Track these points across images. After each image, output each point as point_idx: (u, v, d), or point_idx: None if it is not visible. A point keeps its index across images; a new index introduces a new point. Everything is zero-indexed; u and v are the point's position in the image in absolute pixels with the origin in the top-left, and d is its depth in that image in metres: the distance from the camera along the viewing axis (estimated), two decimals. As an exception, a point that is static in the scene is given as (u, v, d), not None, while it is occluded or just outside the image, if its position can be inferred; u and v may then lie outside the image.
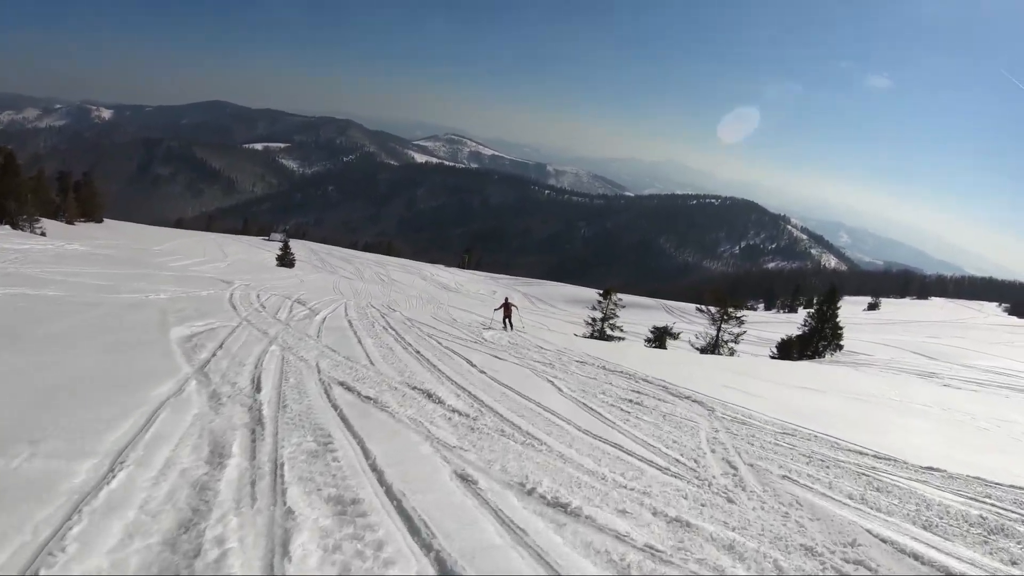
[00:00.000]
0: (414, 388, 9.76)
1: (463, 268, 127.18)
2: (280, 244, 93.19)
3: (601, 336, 43.27)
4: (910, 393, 20.71)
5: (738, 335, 42.91)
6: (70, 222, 75.85)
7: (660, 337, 42.81)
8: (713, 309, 44.18)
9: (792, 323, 60.95)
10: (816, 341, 44.92)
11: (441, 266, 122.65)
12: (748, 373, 21.55)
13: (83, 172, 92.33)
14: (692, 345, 43.19)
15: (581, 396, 11.04)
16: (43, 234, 50.75)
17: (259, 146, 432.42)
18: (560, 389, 11.47)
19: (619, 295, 49.58)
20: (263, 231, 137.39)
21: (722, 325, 43.08)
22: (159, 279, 24.04)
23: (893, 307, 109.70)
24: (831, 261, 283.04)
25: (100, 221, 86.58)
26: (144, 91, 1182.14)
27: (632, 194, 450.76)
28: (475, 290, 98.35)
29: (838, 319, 45.35)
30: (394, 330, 18.42)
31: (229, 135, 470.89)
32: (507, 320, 29.20)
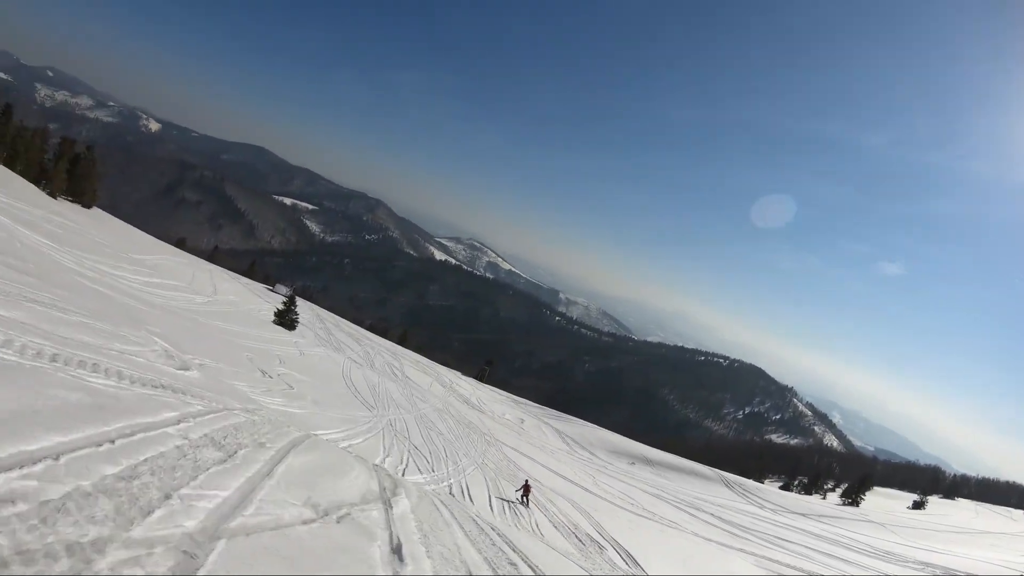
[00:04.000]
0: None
1: (481, 381, 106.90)
2: (284, 299, 74.61)
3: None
4: None
5: None
6: (52, 195, 60.37)
7: None
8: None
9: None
10: None
11: (458, 373, 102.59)
12: None
13: (87, 146, 73.86)
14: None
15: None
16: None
17: (288, 201, 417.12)
18: None
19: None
20: (268, 281, 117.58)
21: None
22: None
23: (935, 507, 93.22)
24: (833, 442, 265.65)
25: (88, 207, 69.39)
26: (196, 116, 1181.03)
27: (637, 338, 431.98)
28: (500, 413, 78.57)
29: None
30: None
31: (263, 182, 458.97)
32: (525, 498, 26.31)
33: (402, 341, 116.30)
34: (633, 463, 76.36)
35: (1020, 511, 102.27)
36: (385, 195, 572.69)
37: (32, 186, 54.54)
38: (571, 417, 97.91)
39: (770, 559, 32.44)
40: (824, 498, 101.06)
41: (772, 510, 62.06)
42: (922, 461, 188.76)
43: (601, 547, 22.25)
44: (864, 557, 41.42)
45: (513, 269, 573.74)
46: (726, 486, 74.45)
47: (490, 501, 23.15)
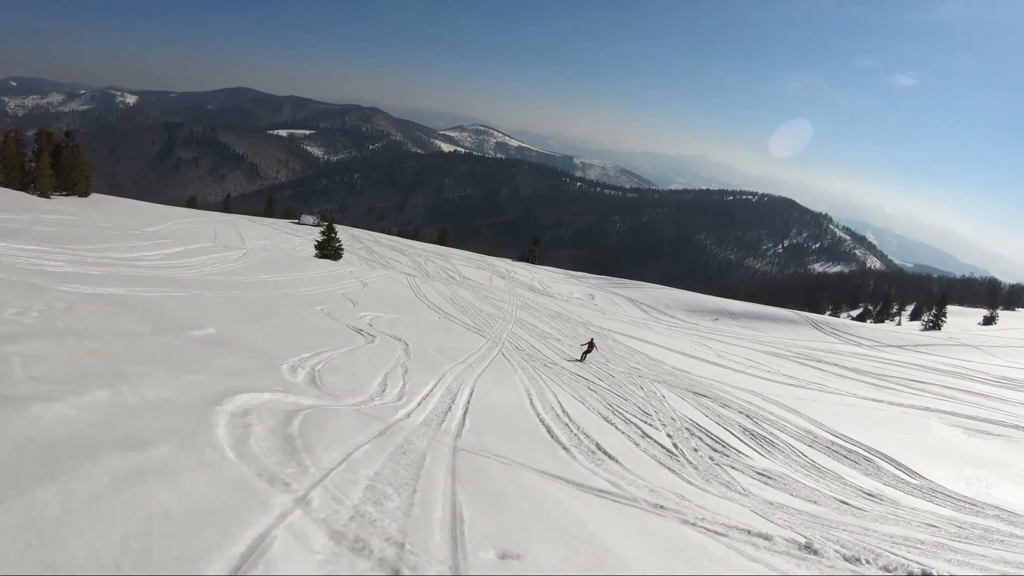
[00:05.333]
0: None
1: (532, 263, 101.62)
2: (316, 228, 69.16)
3: None
4: None
5: None
6: (44, 194, 56.66)
7: None
8: None
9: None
10: None
11: (508, 260, 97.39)
12: None
13: (66, 132, 68.94)
14: None
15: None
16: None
17: (283, 132, 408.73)
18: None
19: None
20: (288, 215, 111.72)
21: None
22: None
23: (1004, 320, 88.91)
24: (875, 263, 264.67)
25: (85, 195, 64.53)
26: (169, 78, 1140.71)
27: (661, 188, 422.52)
28: (568, 293, 73.50)
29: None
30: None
31: (253, 121, 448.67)
32: (586, 355, 27.26)
33: (443, 241, 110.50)
34: (716, 319, 71.17)
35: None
36: (379, 102, 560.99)
37: (19, 192, 49.56)
38: (634, 282, 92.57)
39: (943, 411, 27.09)
40: (899, 324, 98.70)
41: (871, 346, 56.82)
42: (960, 272, 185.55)
43: (867, 459, 17.02)
44: (991, 387, 36.19)
45: (523, 144, 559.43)
46: (815, 327, 68.97)
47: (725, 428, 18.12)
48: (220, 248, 40.77)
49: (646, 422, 16.56)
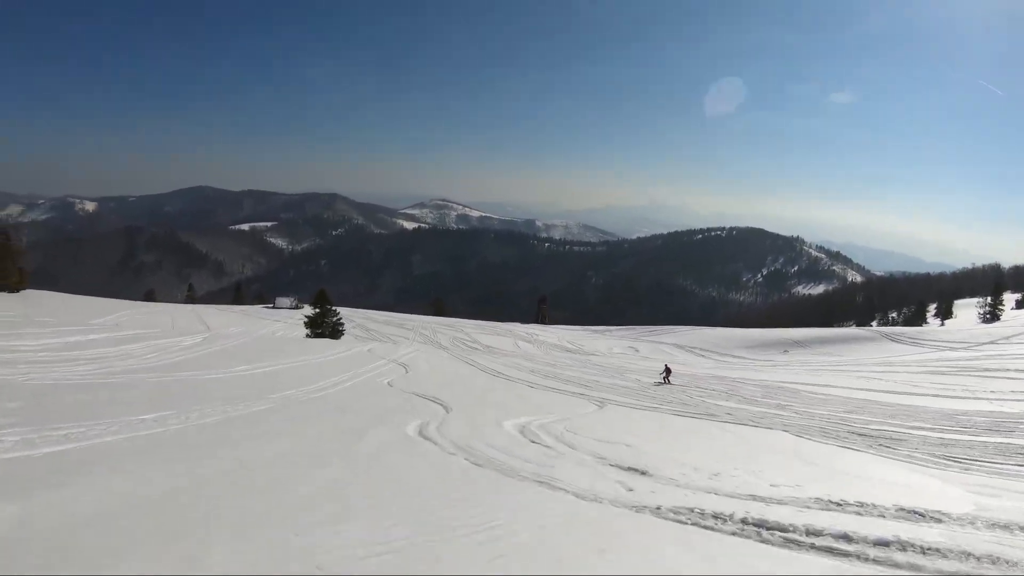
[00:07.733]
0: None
1: (543, 324, 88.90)
2: (296, 311, 55.81)
3: None
4: None
5: None
6: None
7: None
8: None
9: None
10: None
11: (517, 324, 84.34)
12: None
13: None
14: None
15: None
16: None
17: (245, 227, 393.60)
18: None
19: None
20: (262, 301, 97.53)
21: None
22: None
23: None
24: (856, 277, 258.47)
25: (16, 291, 54.34)
26: (127, 182, 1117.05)
27: (628, 238, 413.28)
28: (606, 348, 60.68)
29: None
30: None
31: (214, 218, 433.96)
32: (667, 378, 29.32)
33: (439, 311, 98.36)
34: (786, 351, 59.64)
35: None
36: (338, 187, 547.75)
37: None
38: (662, 327, 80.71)
39: None
40: (942, 324, 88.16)
41: (966, 348, 47.58)
42: (927, 271, 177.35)
43: None
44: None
45: (485, 214, 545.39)
46: (892, 340, 59.01)
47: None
48: (176, 334, 26.95)
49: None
